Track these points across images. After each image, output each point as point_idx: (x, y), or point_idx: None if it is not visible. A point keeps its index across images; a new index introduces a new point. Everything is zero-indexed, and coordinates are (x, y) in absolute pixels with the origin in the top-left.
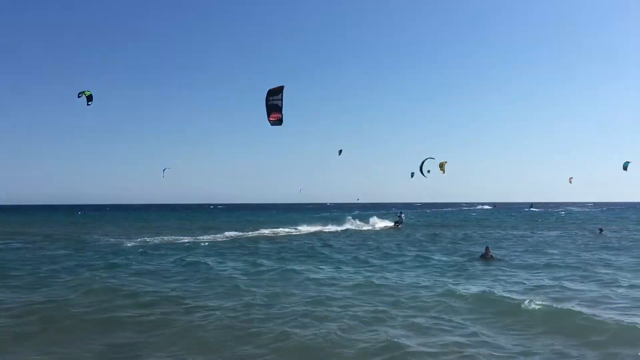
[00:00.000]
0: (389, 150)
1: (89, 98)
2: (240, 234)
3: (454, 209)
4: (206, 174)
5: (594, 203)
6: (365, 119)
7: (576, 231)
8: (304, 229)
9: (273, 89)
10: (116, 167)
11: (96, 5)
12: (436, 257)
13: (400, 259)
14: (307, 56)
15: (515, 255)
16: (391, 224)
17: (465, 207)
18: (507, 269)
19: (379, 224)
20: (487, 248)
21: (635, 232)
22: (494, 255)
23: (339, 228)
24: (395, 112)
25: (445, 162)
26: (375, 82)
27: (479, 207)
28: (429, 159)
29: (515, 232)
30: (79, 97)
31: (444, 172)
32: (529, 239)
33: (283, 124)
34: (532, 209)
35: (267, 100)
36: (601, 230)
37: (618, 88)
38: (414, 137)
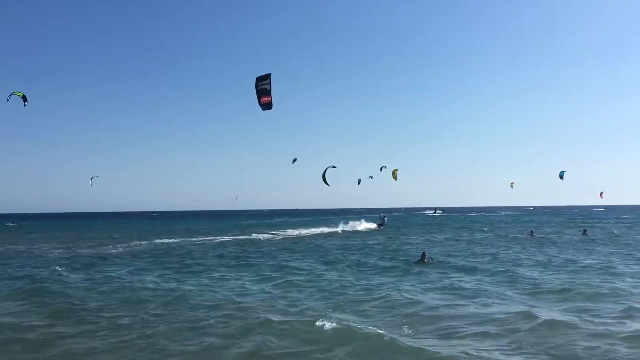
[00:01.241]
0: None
1: (24, 99)
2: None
3: (402, 214)
4: (137, 181)
5: (534, 207)
6: (300, 126)
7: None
8: (289, 233)
9: (261, 75)
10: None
11: None
12: (371, 261)
13: (339, 265)
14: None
15: (454, 259)
16: (374, 225)
17: (420, 212)
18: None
19: (361, 226)
20: (423, 253)
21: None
22: (431, 259)
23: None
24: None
25: (397, 170)
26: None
27: (429, 212)
28: (330, 168)
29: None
30: (7, 100)
31: (396, 179)
32: (456, 243)
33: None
34: (434, 213)
35: (256, 85)
36: (532, 232)
37: (554, 95)
38: (360, 145)
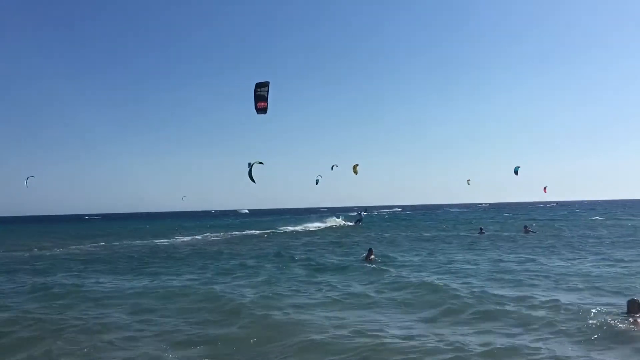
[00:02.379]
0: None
1: None
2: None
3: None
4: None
5: (490, 204)
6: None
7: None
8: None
9: (260, 82)
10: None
11: None
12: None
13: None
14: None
15: (399, 256)
16: (351, 223)
17: (385, 210)
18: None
19: (330, 222)
20: (370, 250)
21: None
22: (372, 258)
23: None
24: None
25: (357, 165)
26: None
27: (389, 210)
28: (257, 164)
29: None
30: None
31: (356, 174)
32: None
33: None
34: (364, 213)
35: (255, 90)
36: (481, 230)
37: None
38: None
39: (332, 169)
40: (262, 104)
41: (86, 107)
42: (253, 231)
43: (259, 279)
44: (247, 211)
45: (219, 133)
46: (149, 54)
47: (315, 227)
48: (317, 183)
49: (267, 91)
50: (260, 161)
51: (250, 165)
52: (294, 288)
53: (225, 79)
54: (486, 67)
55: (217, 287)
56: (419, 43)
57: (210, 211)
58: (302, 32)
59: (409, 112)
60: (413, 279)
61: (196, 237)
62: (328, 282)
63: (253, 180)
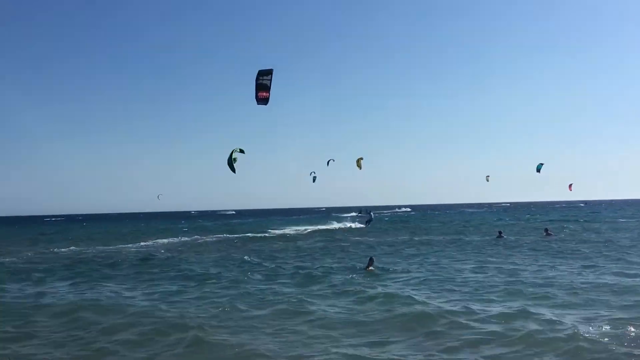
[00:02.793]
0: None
1: None
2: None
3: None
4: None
5: (511, 203)
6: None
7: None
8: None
9: (263, 70)
10: None
11: None
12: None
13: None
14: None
15: (400, 266)
16: (361, 225)
17: (387, 212)
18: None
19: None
20: (370, 259)
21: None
22: (372, 269)
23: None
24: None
25: (362, 158)
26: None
27: (398, 210)
28: (237, 152)
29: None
30: None
31: (360, 168)
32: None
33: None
34: (360, 214)
35: (257, 79)
36: (500, 233)
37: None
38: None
39: (327, 164)
40: (264, 93)
41: (38, 104)
42: (236, 235)
43: (220, 293)
44: (233, 212)
45: (204, 126)
46: (109, 44)
47: (315, 229)
48: (314, 180)
49: (270, 80)
50: (241, 149)
51: (231, 154)
52: (254, 304)
53: (206, 68)
54: (508, 55)
55: (147, 304)
56: (431, 28)
57: (190, 212)
58: (295, 12)
59: (417, 102)
60: (402, 300)
61: (162, 240)
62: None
63: (233, 170)
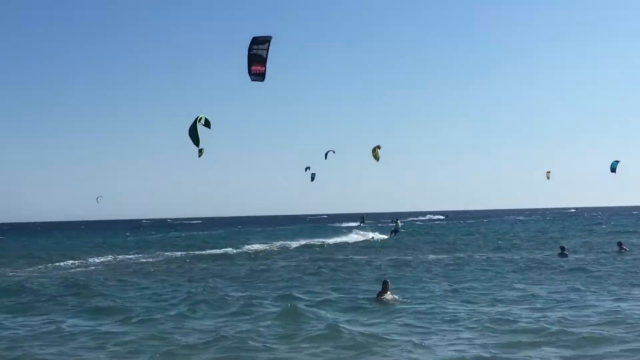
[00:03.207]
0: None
1: None
2: None
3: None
4: None
5: (577, 209)
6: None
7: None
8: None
9: (259, 37)
10: None
11: None
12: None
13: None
14: None
15: (425, 293)
16: (383, 236)
17: (416, 219)
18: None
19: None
20: (385, 283)
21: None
22: (389, 297)
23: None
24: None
25: (379, 147)
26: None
27: (429, 217)
28: (200, 122)
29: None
30: None
31: (377, 160)
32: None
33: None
34: (362, 224)
35: (250, 48)
36: (563, 250)
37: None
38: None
39: (326, 156)
40: (259, 67)
41: None
42: (193, 252)
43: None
44: (199, 221)
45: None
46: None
47: (308, 243)
48: (312, 179)
49: (267, 50)
50: (207, 119)
51: (195, 122)
52: None
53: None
54: (568, 43)
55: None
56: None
57: (140, 220)
58: None
59: (449, 81)
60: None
61: (95, 259)
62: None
63: (197, 143)
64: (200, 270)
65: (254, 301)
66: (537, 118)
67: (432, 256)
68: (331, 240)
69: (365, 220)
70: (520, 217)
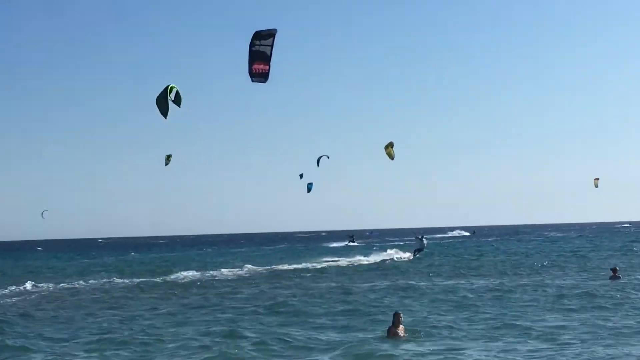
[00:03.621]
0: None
1: None
2: None
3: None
4: None
5: (632, 223)
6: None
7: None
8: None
9: (262, 31)
10: None
11: None
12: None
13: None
14: None
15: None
16: (406, 254)
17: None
18: None
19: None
20: (396, 315)
21: None
22: (402, 333)
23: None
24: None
25: (392, 145)
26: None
27: (454, 232)
28: (170, 96)
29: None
30: None
31: (392, 158)
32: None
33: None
34: (350, 243)
35: (251, 44)
36: (615, 272)
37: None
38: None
39: (318, 162)
40: (261, 65)
41: None
42: (150, 278)
43: None
44: (165, 241)
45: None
46: None
47: (304, 267)
48: (309, 190)
49: (272, 46)
50: (179, 92)
51: (166, 91)
52: None
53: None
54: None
55: None
56: None
57: (97, 240)
58: None
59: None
60: None
61: (25, 286)
62: None
63: (165, 113)
64: (143, 300)
65: (188, 341)
66: (583, 119)
67: (457, 282)
68: (331, 262)
69: (354, 239)
70: (554, 233)
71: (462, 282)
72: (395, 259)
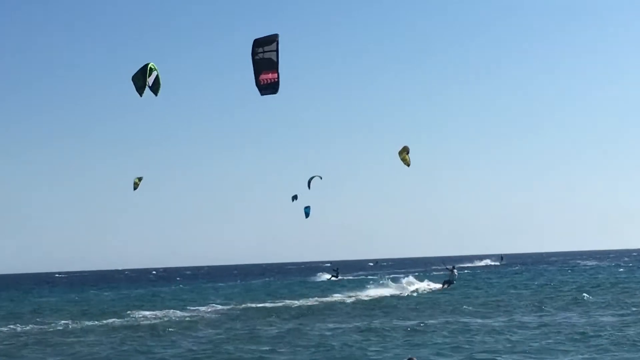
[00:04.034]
0: None
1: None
2: None
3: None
4: None
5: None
6: None
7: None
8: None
9: (262, 38)
10: None
11: None
12: None
13: None
14: None
15: None
16: (437, 285)
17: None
18: None
19: (414, 285)
20: None
21: None
22: None
23: None
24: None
25: (407, 150)
26: None
27: (482, 262)
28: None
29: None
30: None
31: (408, 165)
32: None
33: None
34: (334, 278)
35: (253, 53)
36: None
37: None
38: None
39: (309, 184)
40: (269, 74)
41: None
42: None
43: None
44: (126, 273)
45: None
46: None
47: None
48: (307, 215)
49: (277, 52)
50: (159, 77)
51: (144, 69)
52: None
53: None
54: None
55: None
56: None
57: (54, 274)
58: None
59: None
60: None
61: None
62: None
63: (141, 88)
64: (57, 348)
65: None
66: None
67: (488, 321)
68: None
69: (338, 273)
70: (589, 262)
71: (500, 317)
72: (420, 292)
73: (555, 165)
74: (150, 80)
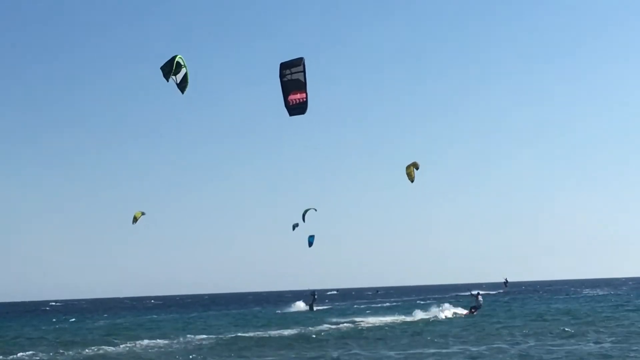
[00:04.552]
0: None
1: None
2: None
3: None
4: None
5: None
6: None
7: None
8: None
9: (288, 61)
10: None
11: None
12: None
13: None
14: None
15: None
16: (463, 311)
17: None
18: None
19: (444, 312)
20: None
21: None
22: None
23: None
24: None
25: (415, 165)
26: None
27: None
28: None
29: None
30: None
31: (412, 180)
32: None
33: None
34: (311, 307)
35: (281, 75)
36: None
37: None
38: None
39: (303, 218)
40: (297, 95)
41: None
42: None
43: None
44: (84, 304)
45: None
46: None
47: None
48: (310, 244)
49: (304, 72)
50: (185, 71)
51: (173, 61)
52: None
53: None
54: None
55: None
56: None
57: (48, 302)
58: None
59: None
60: None
61: None
62: None
63: (168, 73)
64: None
65: None
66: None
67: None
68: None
69: (315, 299)
70: (598, 291)
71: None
72: (444, 318)
73: (562, 187)
74: (178, 78)
